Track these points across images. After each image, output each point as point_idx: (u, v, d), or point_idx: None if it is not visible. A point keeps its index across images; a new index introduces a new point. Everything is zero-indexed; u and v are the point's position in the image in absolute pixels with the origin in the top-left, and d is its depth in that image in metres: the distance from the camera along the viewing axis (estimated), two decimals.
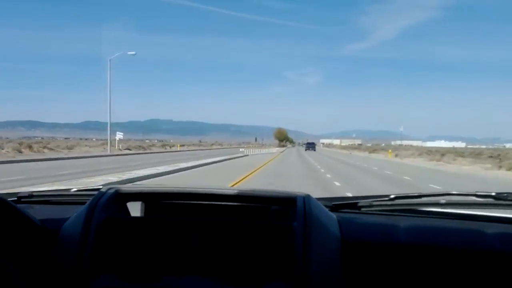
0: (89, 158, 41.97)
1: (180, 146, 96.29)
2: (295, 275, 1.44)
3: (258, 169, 29.81)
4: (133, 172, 22.10)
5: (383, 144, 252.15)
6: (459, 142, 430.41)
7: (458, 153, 55.73)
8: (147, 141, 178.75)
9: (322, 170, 30.60)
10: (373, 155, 76.54)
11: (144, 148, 73.05)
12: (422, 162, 48.32)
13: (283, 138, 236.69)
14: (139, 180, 18.75)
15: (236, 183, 19.26)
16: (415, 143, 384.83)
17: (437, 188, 19.94)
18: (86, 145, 65.78)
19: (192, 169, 27.84)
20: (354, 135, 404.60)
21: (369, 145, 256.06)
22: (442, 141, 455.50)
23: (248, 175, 23.69)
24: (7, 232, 1.47)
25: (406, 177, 26.09)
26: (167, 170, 24.58)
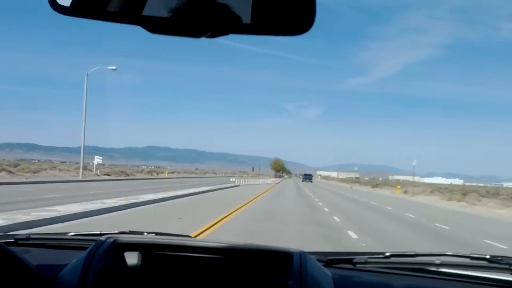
0: (49, 184, 35.22)
1: (169, 173, 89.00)
2: None
3: (245, 205, 23.26)
4: (60, 208, 15.22)
5: (380, 179, 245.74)
6: (457, 179, 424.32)
7: (477, 192, 48.67)
8: (143, 167, 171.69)
9: (326, 209, 24.10)
10: (378, 191, 69.68)
11: (127, 174, 66.17)
12: (439, 202, 41.61)
13: (279, 169, 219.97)
14: (47, 224, 11.85)
15: (204, 231, 12.44)
16: (411, 178, 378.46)
17: (502, 247, 13.50)
18: (59, 169, 58.67)
19: (158, 203, 21.15)
20: (356, 168, 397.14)
21: (366, 178, 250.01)
22: (440, 177, 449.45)
23: (227, 216, 16.97)
24: (3, 277, 1.44)
25: (440, 225, 19.35)
26: (118, 204, 17.91)
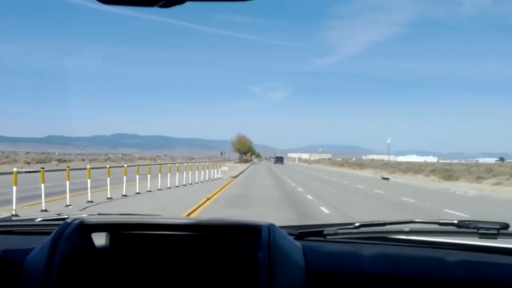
0: None
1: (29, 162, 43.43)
2: None
3: None
4: None
5: (353, 159, 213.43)
6: (430, 156, 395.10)
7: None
8: (110, 155, 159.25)
9: None
10: (466, 187, 28.98)
11: None
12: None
13: (246, 150, 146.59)
14: None
15: None
16: (386, 157, 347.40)
17: None
18: None
19: None
20: (320, 149, 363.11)
21: (339, 159, 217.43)
22: (414, 155, 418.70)
23: None
24: None
25: None
26: None
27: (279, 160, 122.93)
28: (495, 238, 1.79)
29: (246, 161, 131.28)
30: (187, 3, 0.95)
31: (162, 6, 0.90)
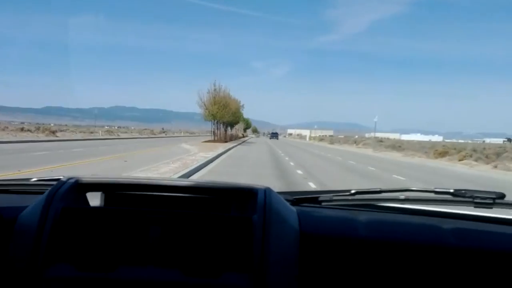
0: None
1: None
2: (253, 266, 1.36)
3: None
4: None
5: (356, 136, 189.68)
6: (436, 135, 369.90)
7: None
8: (106, 127, 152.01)
9: None
10: None
11: None
12: None
13: (230, 118, 63.00)
14: None
15: None
16: (391, 135, 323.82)
17: None
18: None
19: None
20: (316, 126, 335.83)
21: (341, 136, 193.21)
22: (419, 134, 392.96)
23: None
24: None
25: None
26: None
27: (274, 135, 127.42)
28: (491, 208, 1.72)
29: (231, 138, 72.18)
30: None
31: None
